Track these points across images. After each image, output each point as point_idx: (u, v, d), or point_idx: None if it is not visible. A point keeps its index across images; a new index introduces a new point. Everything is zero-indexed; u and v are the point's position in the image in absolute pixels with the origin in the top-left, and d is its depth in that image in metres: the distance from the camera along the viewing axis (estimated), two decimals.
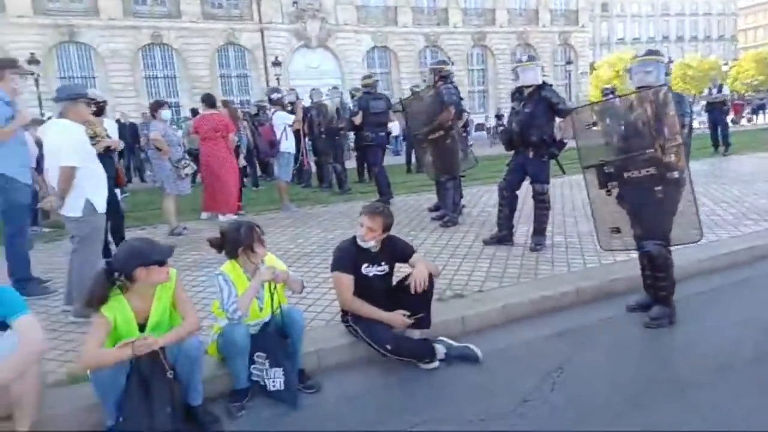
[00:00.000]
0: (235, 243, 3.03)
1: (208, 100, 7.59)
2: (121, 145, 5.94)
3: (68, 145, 3.96)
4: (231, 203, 7.71)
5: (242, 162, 9.52)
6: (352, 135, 9.29)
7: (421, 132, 6.66)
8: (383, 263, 3.35)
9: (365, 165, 10.59)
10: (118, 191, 5.57)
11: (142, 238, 2.91)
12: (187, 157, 7.11)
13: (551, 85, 5.40)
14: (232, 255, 3.07)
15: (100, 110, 5.51)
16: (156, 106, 6.65)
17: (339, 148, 9.92)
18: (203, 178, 7.63)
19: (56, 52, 25.32)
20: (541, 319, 3.89)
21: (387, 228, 3.32)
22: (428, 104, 6.60)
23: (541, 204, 5.33)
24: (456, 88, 6.72)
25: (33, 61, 21.06)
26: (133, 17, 26.24)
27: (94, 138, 5.10)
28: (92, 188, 4.08)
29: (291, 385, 2.95)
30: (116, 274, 2.71)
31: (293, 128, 8.31)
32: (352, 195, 9.42)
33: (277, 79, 24.88)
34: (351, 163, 11.33)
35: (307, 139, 10.46)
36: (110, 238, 5.44)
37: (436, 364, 3.22)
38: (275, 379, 2.96)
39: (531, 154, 5.21)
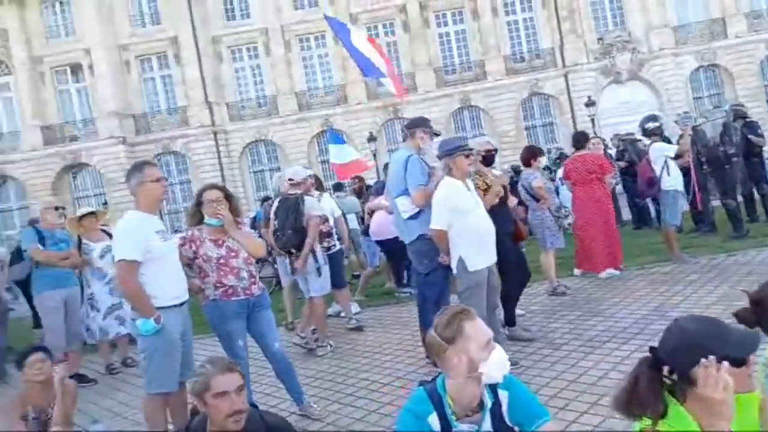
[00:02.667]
0: None
1: (579, 139, 6.70)
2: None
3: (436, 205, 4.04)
4: (610, 257, 6.53)
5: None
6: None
7: None
8: None
9: None
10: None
11: (704, 318, 1.91)
12: (566, 206, 6.25)
13: None
14: None
15: (489, 159, 5.04)
16: (533, 154, 6.00)
17: (729, 180, 7.86)
18: (576, 228, 6.66)
19: (384, 129, 28.84)
20: None
21: None
22: None
23: None
24: None
25: (371, 138, 24.25)
26: (445, 86, 28.32)
27: (486, 189, 4.60)
28: (465, 246, 3.98)
29: None
30: (666, 369, 1.74)
31: (679, 161, 6.78)
32: (757, 239, 7.25)
33: (591, 119, 23.33)
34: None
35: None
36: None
37: None
38: None
39: None
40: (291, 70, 28.57)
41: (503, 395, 1.95)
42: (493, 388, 1.95)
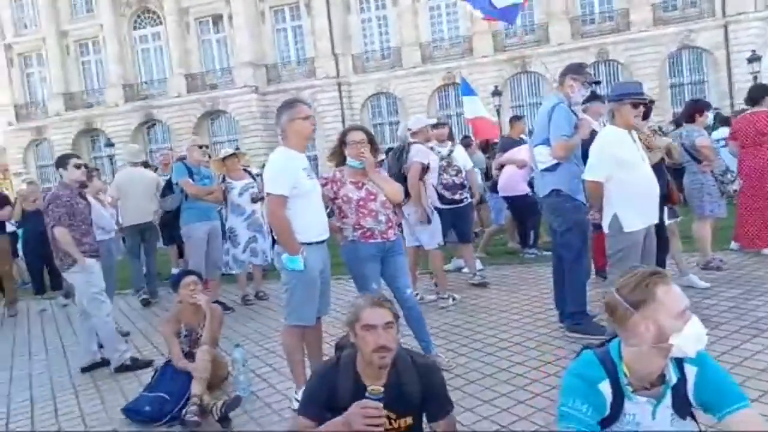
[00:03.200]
0: None
1: (756, 93, 5.78)
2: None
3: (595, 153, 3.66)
4: None
5: None
6: None
7: None
8: None
9: None
10: (666, 210, 4.42)
11: None
12: (732, 170, 5.50)
13: None
14: None
15: (647, 112, 4.48)
16: (699, 108, 5.29)
17: None
18: (739, 197, 5.87)
19: (509, 84, 27.57)
20: None
21: None
22: None
23: None
24: None
25: (495, 93, 23.31)
26: (581, 38, 26.28)
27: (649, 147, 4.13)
28: (622, 203, 3.58)
29: None
30: None
31: None
32: None
33: (755, 77, 20.38)
34: None
35: None
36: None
37: None
38: None
39: None
40: (417, 20, 28.04)
41: (690, 371, 1.70)
42: (678, 363, 1.70)
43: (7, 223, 7.52)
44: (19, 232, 8.54)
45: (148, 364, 4.49)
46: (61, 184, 4.50)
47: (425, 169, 5.20)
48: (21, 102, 32.35)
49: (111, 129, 29.55)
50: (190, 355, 3.75)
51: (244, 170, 6.56)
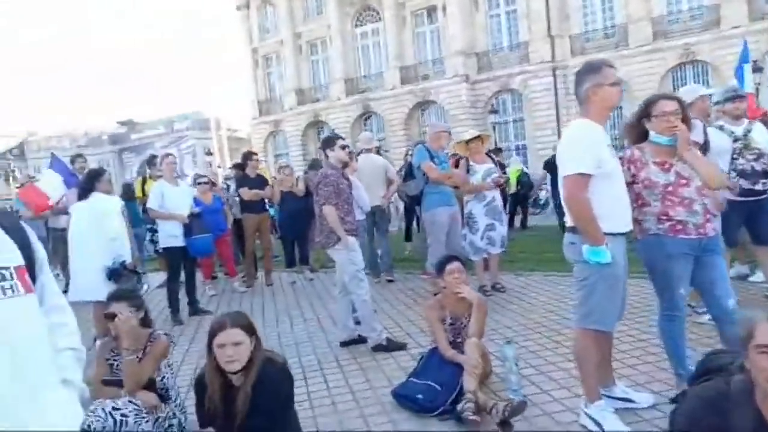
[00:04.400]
0: None
1: None
2: None
3: None
4: None
5: None
6: None
7: None
8: None
9: None
10: None
11: None
12: None
13: None
14: None
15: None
16: None
17: None
18: None
19: None
20: None
21: None
22: None
23: None
24: None
25: (756, 69, 19.66)
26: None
27: None
28: None
29: None
30: None
31: None
32: None
33: None
34: None
35: None
36: None
37: None
38: None
39: None
40: None
41: None
42: None
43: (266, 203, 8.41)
44: (272, 211, 9.57)
45: (402, 347, 4.46)
46: (327, 164, 4.67)
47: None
48: (262, 98, 37.10)
49: (334, 121, 32.21)
50: (455, 345, 3.55)
51: (487, 154, 6.27)
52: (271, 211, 9.54)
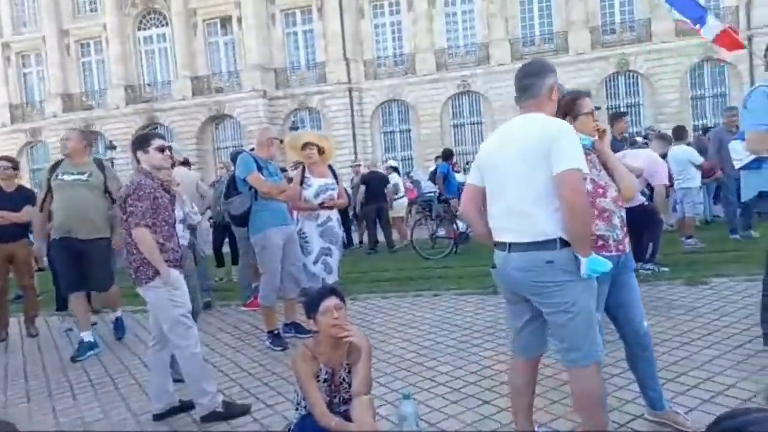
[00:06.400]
0: None
1: None
2: None
3: None
4: None
5: None
6: None
7: None
8: None
9: None
10: None
11: None
12: None
13: None
14: None
15: None
16: None
17: None
18: None
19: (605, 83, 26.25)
20: None
21: None
22: None
23: None
24: None
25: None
26: (600, 48, 25.66)
27: None
28: None
29: None
30: None
31: None
32: None
33: None
34: None
35: None
36: None
37: None
38: None
39: None
40: (432, 26, 27.26)
41: None
42: None
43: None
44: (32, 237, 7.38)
45: (245, 410, 3.43)
46: (140, 171, 3.44)
47: None
48: (16, 102, 31.02)
49: (111, 132, 28.32)
50: (332, 407, 2.72)
51: (328, 166, 5.51)
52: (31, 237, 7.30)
